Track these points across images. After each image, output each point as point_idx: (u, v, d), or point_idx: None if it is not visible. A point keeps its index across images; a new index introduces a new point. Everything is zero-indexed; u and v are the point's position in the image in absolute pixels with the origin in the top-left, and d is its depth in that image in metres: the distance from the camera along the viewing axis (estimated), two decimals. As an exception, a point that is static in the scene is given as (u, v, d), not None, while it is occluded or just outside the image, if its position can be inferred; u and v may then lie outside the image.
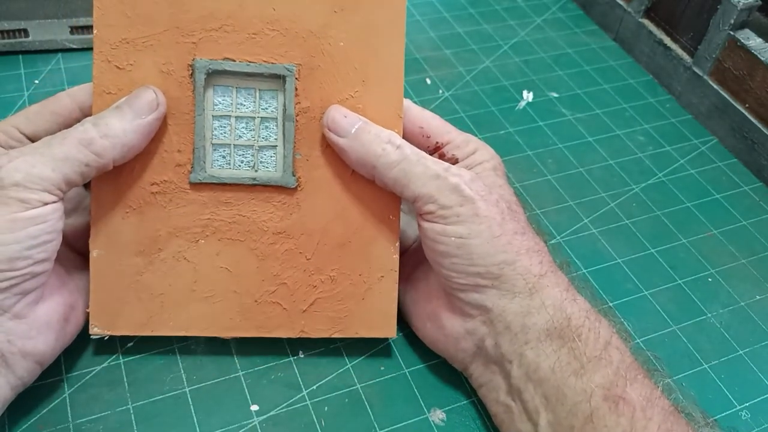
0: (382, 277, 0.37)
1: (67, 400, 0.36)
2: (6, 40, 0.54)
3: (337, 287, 0.37)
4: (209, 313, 0.37)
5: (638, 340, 0.41)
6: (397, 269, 0.37)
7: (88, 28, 0.55)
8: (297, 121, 0.36)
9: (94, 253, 0.35)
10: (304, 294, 0.37)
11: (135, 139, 0.33)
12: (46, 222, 0.31)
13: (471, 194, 0.34)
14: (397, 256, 0.37)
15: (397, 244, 0.37)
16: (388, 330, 0.38)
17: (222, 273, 0.36)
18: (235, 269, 0.36)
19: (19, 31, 0.54)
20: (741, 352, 0.42)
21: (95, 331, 0.36)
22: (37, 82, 0.53)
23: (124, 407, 0.36)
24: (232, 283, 0.37)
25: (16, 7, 0.53)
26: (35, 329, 0.32)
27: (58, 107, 0.35)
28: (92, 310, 0.36)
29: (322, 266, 0.37)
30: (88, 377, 0.37)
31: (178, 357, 0.38)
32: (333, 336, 0.38)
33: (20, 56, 0.55)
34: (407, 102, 0.38)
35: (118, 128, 0.32)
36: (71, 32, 0.55)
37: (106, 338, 0.37)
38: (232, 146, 0.36)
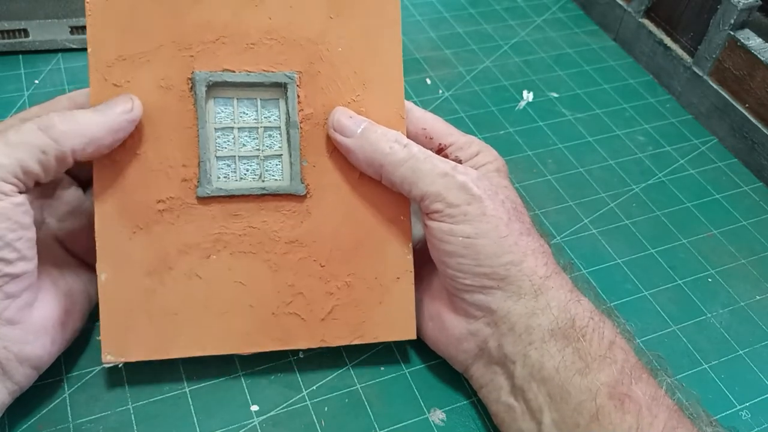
0: (398, 278, 0.37)
1: (67, 400, 0.35)
2: (6, 40, 0.54)
3: (353, 293, 0.36)
4: (226, 329, 0.35)
5: (638, 341, 0.41)
6: (413, 269, 0.37)
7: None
8: (301, 128, 0.35)
9: (102, 277, 0.34)
10: (322, 302, 0.36)
11: (99, 132, 0.32)
12: (9, 219, 0.30)
13: (479, 193, 0.34)
14: (411, 257, 0.37)
15: (410, 244, 0.37)
16: (408, 332, 0.37)
17: (236, 287, 0.35)
18: (250, 282, 0.36)
19: (19, 31, 0.54)
20: (741, 352, 0.42)
21: (108, 359, 0.34)
22: (37, 82, 0.53)
23: (124, 407, 0.36)
24: (247, 296, 0.36)
25: (16, 7, 0.52)
26: (31, 334, 0.32)
27: (58, 110, 0.35)
28: (103, 337, 0.34)
29: (337, 272, 0.36)
30: (88, 377, 0.37)
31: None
32: (353, 343, 0.37)
33: (20, 56, 0.55)
34: (409, 104, 0.38)
35: (81, 117, 0.31)
36: (71, 32, 0.55)
37: (120, 366, 0.36)
38: (236, 157, 0.36)
